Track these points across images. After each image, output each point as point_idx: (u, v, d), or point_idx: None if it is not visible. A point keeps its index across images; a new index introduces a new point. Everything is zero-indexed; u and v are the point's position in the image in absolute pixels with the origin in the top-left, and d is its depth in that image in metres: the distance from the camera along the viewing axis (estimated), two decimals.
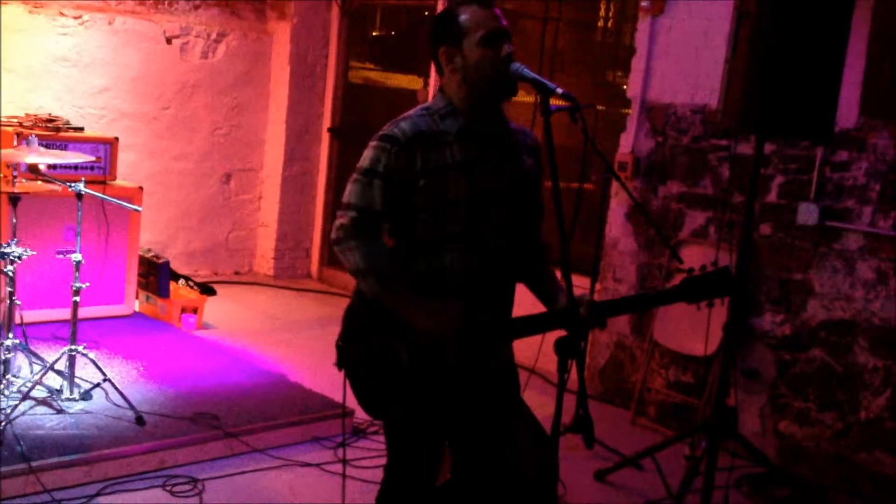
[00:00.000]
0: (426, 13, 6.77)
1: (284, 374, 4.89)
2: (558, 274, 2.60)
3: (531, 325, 2.62)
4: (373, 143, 2.50)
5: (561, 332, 2.47)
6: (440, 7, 6.32)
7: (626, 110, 5.18)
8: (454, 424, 2.64)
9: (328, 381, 4.55)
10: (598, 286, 4.85)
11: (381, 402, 2.59)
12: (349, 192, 2.49)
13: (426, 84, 6.61)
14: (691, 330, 4.60)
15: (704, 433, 3.89)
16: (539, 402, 3.29)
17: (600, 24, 5.88)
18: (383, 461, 2.68)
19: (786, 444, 4.48)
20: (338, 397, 4.35)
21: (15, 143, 4.51)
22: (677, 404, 4.84)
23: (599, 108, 5.35)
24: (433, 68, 6.27)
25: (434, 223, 2.49)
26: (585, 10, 5.86)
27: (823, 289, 4.36)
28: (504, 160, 2.58)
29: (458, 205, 2.49)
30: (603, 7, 5.87)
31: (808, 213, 4.37)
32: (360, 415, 4.15)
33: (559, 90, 2.44)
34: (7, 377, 4.07)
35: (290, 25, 6.95)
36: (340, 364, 2.62)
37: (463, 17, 2.51)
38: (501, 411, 2.68)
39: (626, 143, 5.07)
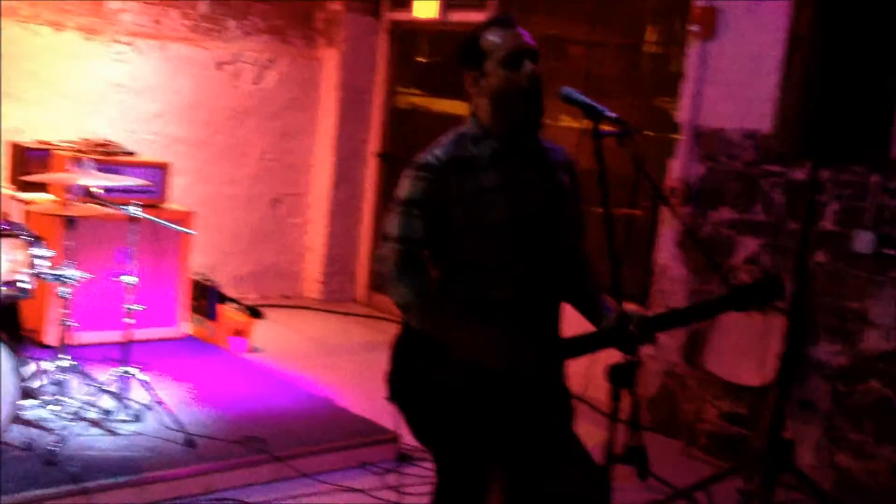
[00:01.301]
0: None
1: (331, 398, 4.90)
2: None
3: (581, 345, 2.58)
4: (409, 173, 2.49)
5: (608, 354, 2.45)
6: None
7: (673, 135, 5.14)
8: (505, 452, 2.61)
9: (375, 406, 4.53)
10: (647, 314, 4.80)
11: (433, 432, 2.57)
12: (390, 224, 2.48)
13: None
14: (745, 359, 4.52)
15: (759, 466, 3.81)
16: (588, 430, 3.24)
17: (646, 48, 5.85)
18: (431, 488, 2.66)
19: (842, 477, 4.38)
20: (385, 423, 4.38)
21: (71, 167, 4.60)
22: (731, 436, 4.76)
23: (647, 133, 5.33)
24: None
25: (475, 248, 2.47)
26: (630, 34, 5.84)
27: (880, 318, 4.27)
28: (540, 179, 2.55)
29: (498, 228, 2.47)
30: (649, 31, 5.85)
31: (864, 241, 4.30)
32: (408, 441, 4.14)
33: (609, 114, 2.43)
34: (61, 398, 4.12)
35: (338, 52, 7.02)
36: (392, 397, 2.60)
37: (485, 40, 2.50)
38: (554, 439, 2.65)
39: (675, 168, 5.03)
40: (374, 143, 7.29)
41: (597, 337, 2.59)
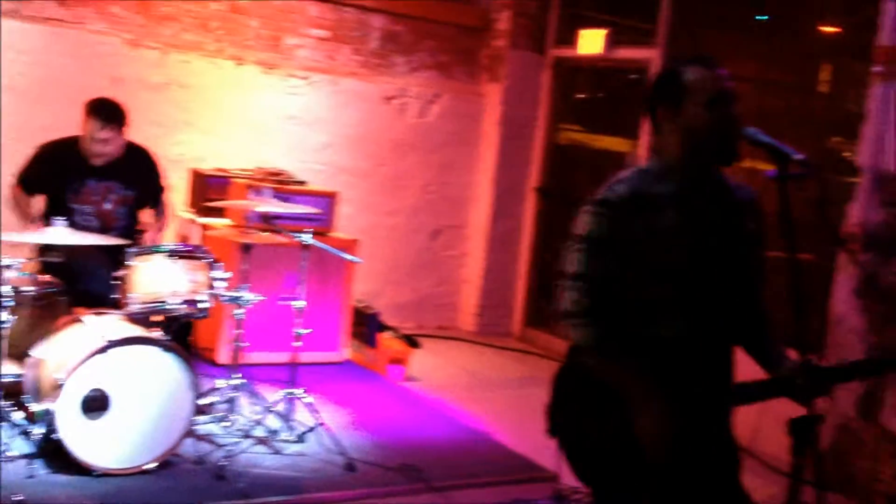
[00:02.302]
0: (633, 76, 6.75)
1: (487, 432, 4.90)
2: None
3: (753, 392, 2.52)
4: (587, 209, 2.46)
5: (778, 406, 2.36)
6: (652, 69, 6.28)
7: (848, 178, 4.92)
8: (668, 498, 2.55)
9: (529, 443, 4.52)
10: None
11: (593, 472, 2.53)
12: (571, 262, 2.46)
13: (635, 146, 6.56)
14: None
15: None
16: (754, 484, 3.11)
17: (819, 87, 5.65)
18: None
19: None
20: (539, 460, 4.34)
21: (249, 194, 4.83)
22: None
23: (823, 175, 5.13)
24: (643, 131, 6.30)
25: (650, 286, 2.42)
26: (803, 72, 5.66)
27: None
28: (723, 222, 2.49)
29: (673, 271, 2.42)
30: (823, 70, 5.65)
31: None
32: (565, 480, 4.09)
33: (797, 156, 2.36)
34: (231, 415, 4.30)
35: (501, 87, 7.10)
36: (553, 431, 2.58)
37: (686, 77, 2.44)
38: (718, 491, 2.56)
39: (854, 212, 4.80)
40: (533, 178, 7.31)
41: (770, 385, 2.51)
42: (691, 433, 2.43)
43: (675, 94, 2.45)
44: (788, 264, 2.32)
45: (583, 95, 7.58)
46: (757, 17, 5.91)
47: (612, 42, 6.64)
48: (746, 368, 2.60)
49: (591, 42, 6.76)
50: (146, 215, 4.87)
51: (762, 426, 2.67)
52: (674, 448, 2.37)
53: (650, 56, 6.32)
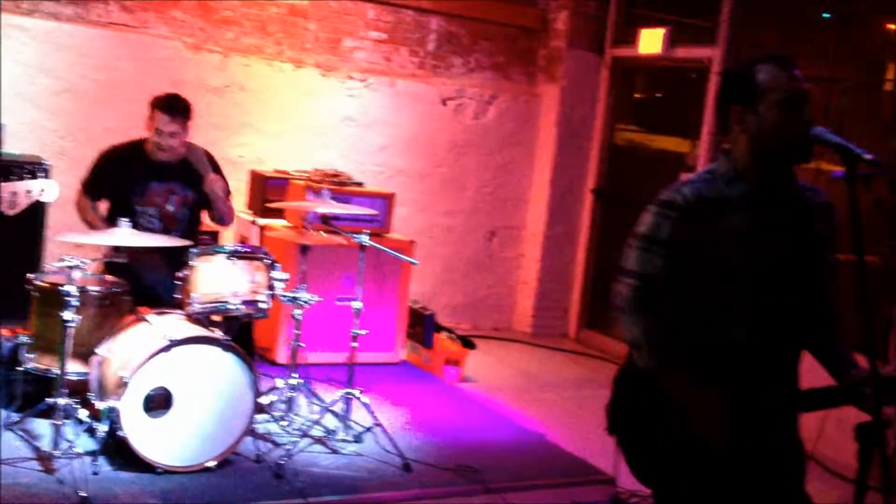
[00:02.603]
0: (693, 75, 6.67)
1: (543, 433, 4.88)
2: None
3: (819, 399, 2.47)
4: (652, 209, 2.45)
5: (841, 412, 2.31)
6: (714, 68, 6.19)
7: None
8: (727, 500, 2.50)
9: (586, 445, 4.49)
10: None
11: (652, 470, 2.52)
12: (628, 259, 2.46)
13: (694, 146, 6.48)
14: None
15: None
16: (816, 489, 3.05)
17: (886, 86, 5.53)
18: None
19: None
20: (597, 462, 4.31)
21: (308, 195, 4.87)
22: None
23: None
24: (704, 131, 6.22)
25: (714, 293, 2.40)
26: (870, 71, 5.53)
27: None
28: (793, 226, 2.45)
29: (740, 275, 2.39)
30: (890, 68, 5.52)
31: None
32: (622, 483, 4.06)
33: (867, 156, 2.31)
34: (289, 414, 4.34)
35: (559, 88, 7.07)
36: (612, 429, 2.58)
37: (760, 77, 2.40)
38: (781, 494, 2.52)
39: None
40: (590, 180, 7.26)
41: (837, 392, 2.47)
42: (754, 435, 2.40)
43: (748, 95, 2.41)
44: (855, 267, 2.27)
45: (641, 95, 7.51)
46: (822, 15, 5.80)
47: (671, 41, 6.57)
48: (811, 375, 2.56)
49: (650, 41, 6.69)
50: (207, 216, 4.93)
51: (825, 430, 2.61)
52: (735, 440, 2.34)
53: (711, 55, 6.23)
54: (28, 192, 3.18)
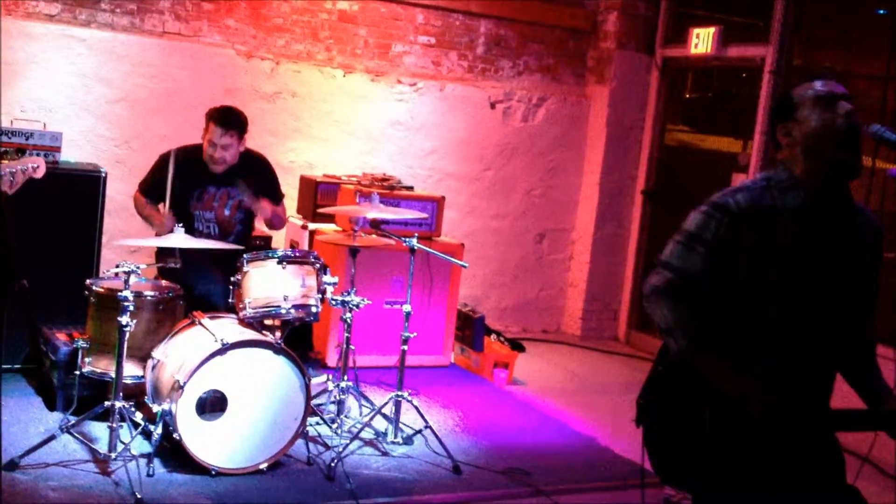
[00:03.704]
0: (745, 74, 6.59)
1: (593, 436, 4.86)
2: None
3: (850, 421, 2.47)
4: (703, 209, 2.44)
5: None
6: (767, 67, 6.11)
7: None
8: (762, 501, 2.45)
9: (637, 448, 4.44)
10: None
11: (677, 465, 2.51)
12: (669, 252, 2.46)
13: (746, 147, 6.40)
14: None
15: None
16: (871, 491, 2.99)
17: None
18: None
19: None
20: (648, 465, 4.27)
21: (357, 199, 4.91)
22: None
23: None
24: (756, 130, 6.14)
25: (753, 302, 2.38)
26: None
27: None
28: (843, 245, 2.43)
29: (782, 288, 2.37)
30: None
31: None
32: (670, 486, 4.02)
33: None
34: (340, 417, 4.38)
35: (608, 89, 7.03)
36: (639, 421, 2.57)
37: (796, 92, 2.47)
38: (819, 493, 2.48)
39: None
40: (640, 181, 7.21)
41: (872, 417, 2.47)
42: (792, 424, 2.36)
43: (788, 109, 2.47)
44: None
45: (692, 95, 7.44)
46: (877, 11, 5.69)
47: (722, 40, 6.50)
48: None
49: (701, 41, 6.63)
50: (260, 221, 5.00)
51: (880, 433, 2.58)
52: (777, 426, 2.32)
53: (763, 53, 6.16)
54: (24, 170, 3.30)
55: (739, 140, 6.57)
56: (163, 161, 4.67)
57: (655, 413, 2.53)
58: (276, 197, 4.93)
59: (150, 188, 4.71)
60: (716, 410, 2.36)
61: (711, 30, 6.54)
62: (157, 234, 4.39)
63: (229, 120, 4.64)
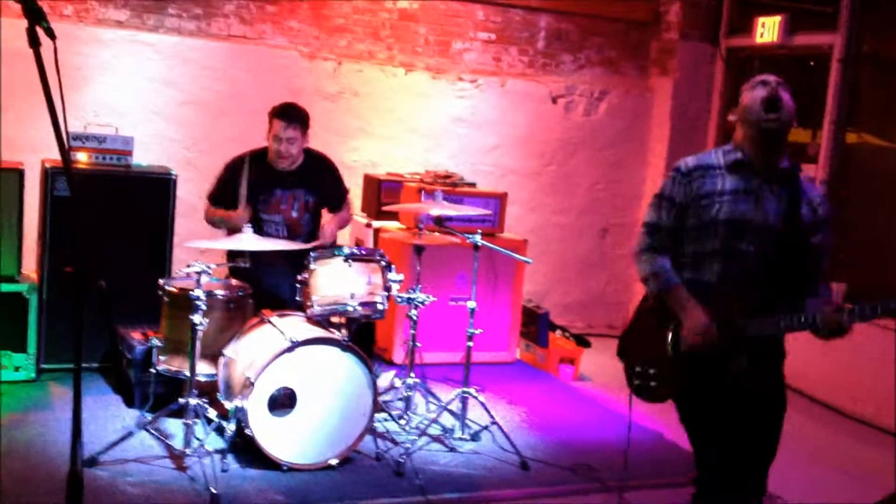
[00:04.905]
0: (813, 63, 6.45)
1: (660, 431, 4.82)
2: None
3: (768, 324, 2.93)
4: (667, 174, 3.12)
5: None
6: (836, 55, 5.99)
7: None
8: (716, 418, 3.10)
9: None
10: None
11: (649, 383, 3.20)
12: (646, 212, 3.12)
13: (814, 136, 6.28)
14: None
15: None
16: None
17: None
18: None
19: None
20: None
21: (422, 197, 4.94)
22: None
23: None
24: (825, 120, 6.02)
25: (698, 239, 3.00)
26: None
27: None
28: (772, 198, 2.96)
29: (717, 224, 2.96)
30: None
31: None
32: None
33: None
34: (408, 413, 4.42)
35: (672, 81, 6.95)
36: (619, 353, 3.29)
37: (744, 85, 3.01)
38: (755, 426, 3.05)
39: None
40: None
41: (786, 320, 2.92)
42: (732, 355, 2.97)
43: (738, 96, 3.05)
44: None
45: None
46: None
47: (789, 28, 6.37)
48: None
49: (767, 29, 6.51)
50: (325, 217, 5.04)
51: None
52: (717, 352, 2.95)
53: (831, 41, 6.03)
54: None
55: (808, 130, 6.43)
56: (229, 169, 4.74)
57: (629, 338, 3.29)
58: (341, 194, 4.97)
59: (220, 196, 4.74)
60: (675, 332, 3.04)
61: (777, 18, 6.42)
62: (234, 230, 4.39)
63: (291, 114, 4.70)
